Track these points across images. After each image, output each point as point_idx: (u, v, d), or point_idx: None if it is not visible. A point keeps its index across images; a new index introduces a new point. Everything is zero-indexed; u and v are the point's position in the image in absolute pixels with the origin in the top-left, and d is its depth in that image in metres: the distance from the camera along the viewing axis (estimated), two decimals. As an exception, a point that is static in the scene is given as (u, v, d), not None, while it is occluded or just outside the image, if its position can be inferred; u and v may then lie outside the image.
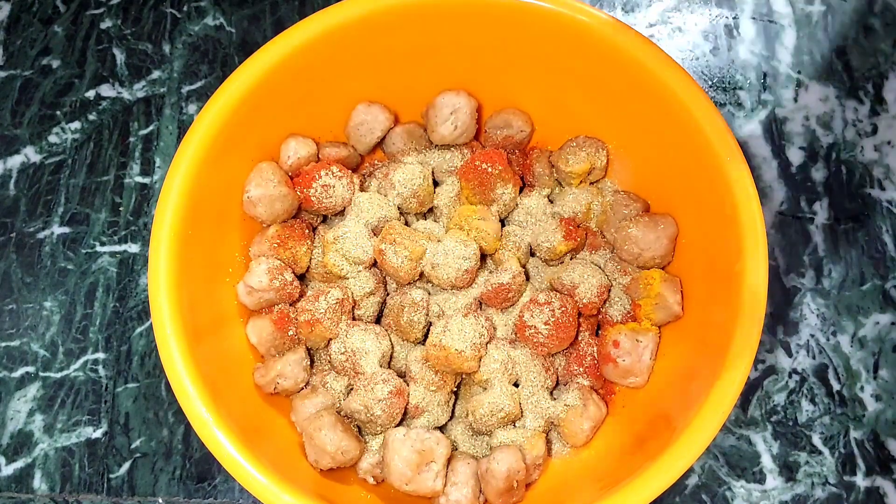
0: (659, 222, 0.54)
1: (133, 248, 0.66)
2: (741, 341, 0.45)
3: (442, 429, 0.53)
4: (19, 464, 0.61)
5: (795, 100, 0.69)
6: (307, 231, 0.56)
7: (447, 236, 0.53)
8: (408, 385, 0.52)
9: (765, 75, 0.69)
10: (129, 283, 0.65)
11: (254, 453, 0.45)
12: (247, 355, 0.54)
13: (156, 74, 0.71)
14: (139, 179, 0.68)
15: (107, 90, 0.71)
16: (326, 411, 0.50)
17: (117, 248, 0.66)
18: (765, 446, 0.60)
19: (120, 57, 0.72)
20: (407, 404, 0.52)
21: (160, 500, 0.59)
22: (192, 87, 0.71)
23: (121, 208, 0.67)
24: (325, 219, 0.58)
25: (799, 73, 0.69)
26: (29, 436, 0.61)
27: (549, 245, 0.54)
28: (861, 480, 0.59)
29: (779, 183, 0.66)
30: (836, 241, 0.64)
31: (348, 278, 0.54)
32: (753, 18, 0.71)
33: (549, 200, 0.58)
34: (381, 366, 0.52)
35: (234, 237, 0.55)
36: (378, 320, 0.56)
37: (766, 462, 0.59)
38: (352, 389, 0.52)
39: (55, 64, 0.72)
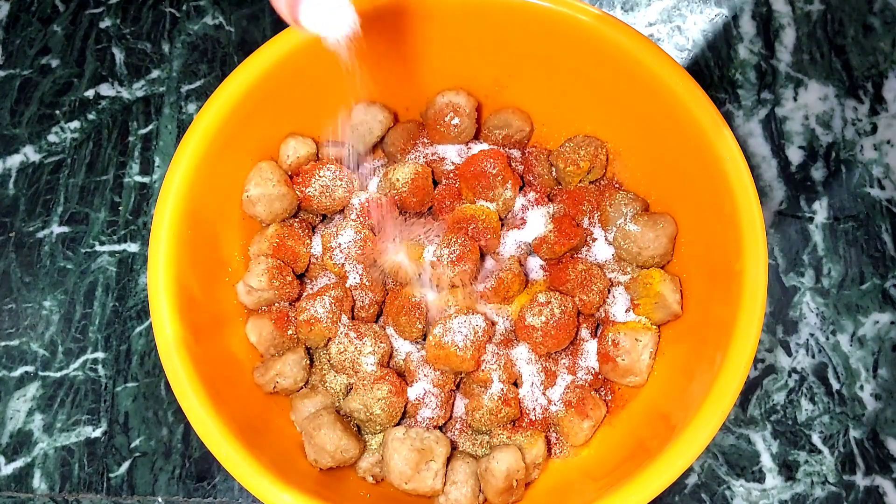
0: (658, 221, 0.54)
1: (132, 247, 0.66)
2: (741, 340, 0.45)
3: (442, 428, 0.53)
4: (19, 463, 0.61)
5: (795, 99, 0.69)
6: (306, 230, 0.56)
7: (446, 236, 0.53)
8: (407, 384, 0.52)
9: (764, 74, 0.69)
10: (129, 282, 0.65)
11: (253, 452, 0.45)
12: (246, 355, 0.54)
13: (155, 74, 0.71)
14: (138, 179, 0.68)
15: (106, 89, 0.71)
16: (326, 410, 0.50)
17: (117, 247, 0.66)
18: (764, 445, 0.60)
19: (119, 56, 0.72)
20: (406, 403, 0.52)
21: (160, 500, 0.59)
22: (192, 86, 0.71)
23: (120, 208, 0.67)
24: (324, 218, 0.58)
25: (798, 72, 0.69)
26: (28, 435, 0.61)
27: (549, 244, 0.54)
28: (860, 479, 0.59)
29: (778, 182, 0.66)
30: (835, 241, 0.64)
31: (347, 277, 0.54)
32: (753, 17, 0.71)
33: (549, 200, 0.58)
34: (380, 365, 0.52)
35: (233, 236, 0.55)
36: (377, 319, 0.56)
37: (766, 461, 0.59)
38: (351, 388, 0.52)
39: (54, 63, 0.72)
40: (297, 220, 0.56)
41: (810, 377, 0.61)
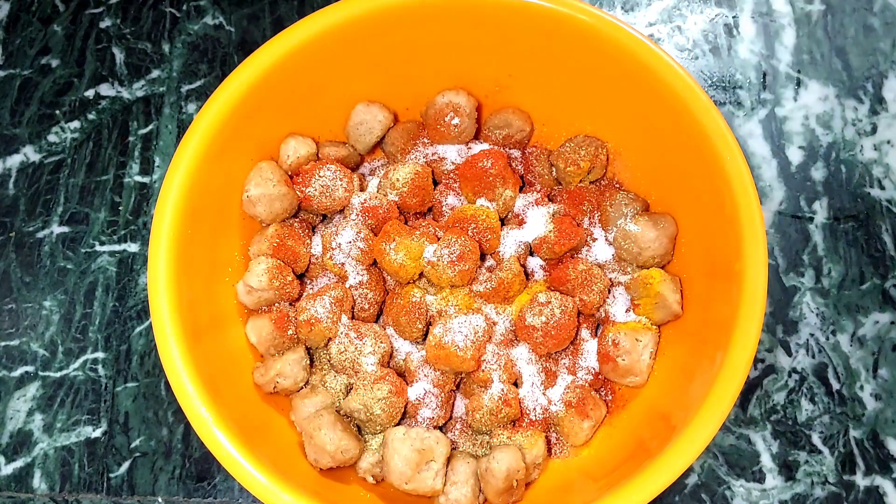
0: (658, 221, 0.54)
1: (132, 247, 0.66)
2: (741, 340, 0.45)
3: (442, 428, 0.53)
4: (19, 463, 0.61)
5: (795, 99, 0.69)
6: (306, 230, 0.56)
7: (446, 235, 0.53)
8: (407, 384, 0.52)
9: (764, 74, 0.69)
10: (129, 282, 0.65)
11: (253, 452, 0.45)
12: (246, 355, 0.54)
13: (155, 74, 0.71)
14: (138, 179, 0.68)
15: (106, 89, 0.71)
16: (326, 410, 0.50)
17: (117, 247, 0.66)
18: (764, 445, 0.60)
19: (119, 56, 0.72)
20: (406, 403, 0.52)
21: (160, 500, 0.59)
22: (192, 86, 0.71)
23: (120, 208, 0.67)
24: (324, 218, 0.58)
25: (798, 72, 0.69)
26: (28, 435, 0.61)
27: (549, 244, 0.54)
28: (860, 479, 0.59)
29: (778, 182, 0.66)
30: (835, 241, 0.64)
31: (347, 277, 0.54)
32: (753, 18, 0.71)
33: (549, 200, 0.58)
34: (380, 365, 0.52)
35: (233, 236, 0.55)
36: (377, 319, 0.56)
37: (766, 461, 0.59)
38: (351, 388, 0.52)
39: (54, 63, 0.72)
40: (297, 220, 0.56)
41: (810, 377, 0.61)
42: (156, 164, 0.68)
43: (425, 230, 0.54)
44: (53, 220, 0.67)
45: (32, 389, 0.62)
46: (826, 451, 0.60)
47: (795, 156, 0.67)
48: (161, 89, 0.71)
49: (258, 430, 0.50)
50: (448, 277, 0.52)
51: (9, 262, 0.66)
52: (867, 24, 0.71)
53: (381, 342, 0.52)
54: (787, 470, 0.59)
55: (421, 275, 0.54)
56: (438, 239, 0.53)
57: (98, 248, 0.66)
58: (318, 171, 0.55)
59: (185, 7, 0.73)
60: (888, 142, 0.67)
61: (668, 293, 0.52)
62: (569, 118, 0.59)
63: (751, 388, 0.61)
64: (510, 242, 0.55)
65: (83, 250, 0.66)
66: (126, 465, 0.60)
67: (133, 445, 0.61)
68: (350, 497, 0.50)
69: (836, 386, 0.61)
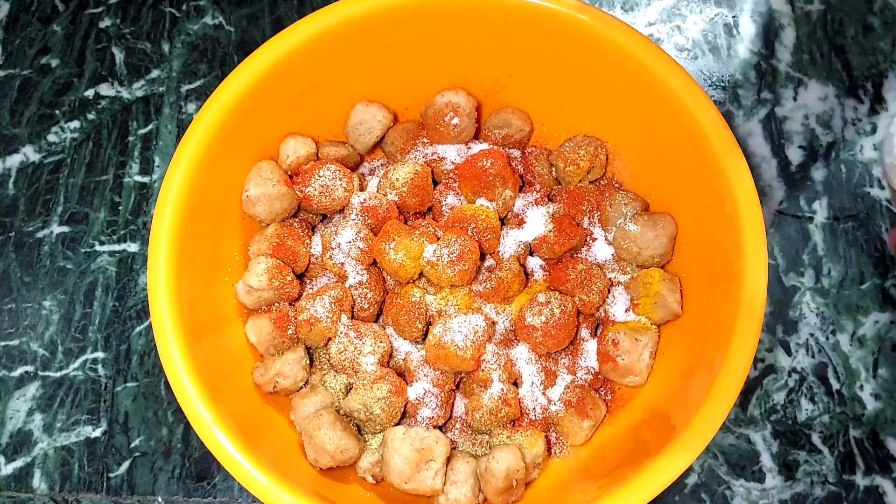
0: (658, 221, 0.54)
1: (132, 247, 0.66)
2: (741, 340, 0.45)
3: (442, 428, 0.53)
4: (19, 463, 0.61)
5: (795, 98, 0.69)
6: (306, 230, 0.56)
7: (446, 235, 0.53)
8: (407, 383, 0.52)
9: (764, 74, 0.69)
10: (129, 282, 0.65)
11: (253, 452, 0.45)
12: (246, 354, 0.54)
13: (155, 73, 0.71)
14: (138, 178, 0.68)
15: (106, 89, 0.71)
16: (326, 410, 0.50)
17: (116, 247, 0.66)
18: (764, 445, 0.60)
19: (119, 56, 0.72)
20: (406, 403, 0.52)
21: (159, 499, 0.59)
22: (191, 86, 0.71)
23: (120, 207, 0.67)
24: (324, 217, 0.58)
25: (798, 71, 0.69)
26: (28, 435, 0.61)
27: (549, 244, 0.54)
28: (860, 479, 0.59)
29: (778, 182, 0.66)
30: (835, 240, 0.64)
31: (347, 277, 0.54)
32: (753, 17, 0.71)
33: (549, 199, 0.58)
34: (380, 364, 0.52)
35: (233, 236, 0.55)
36: (377, 319, 0.56)
37: (766, 461, 0.59)
38: (351, 388, 0.52)
39: (54, 63, 0.72)
40: (296, 219, 0.56)
41: (810, 377, 0.61)
42: (156, 164, 0.68)
43: (425, 230, 0.54)
44: (53, 220, 0.67)
45: (32, 389, 0.62)
46: (826, 450, 0.60)
47: (795, 155, 0.67)
48: (161, 89, 0.71)
49: (258, 429, 0.50)
50: (448, 277, 0.52)
51: (9, 262, 0.66)
52: (867, 23, 0.71)
53: (381, 342, 0.52)
54: (787, 470, 0.59)
55: (421, 274, 0.54)
56: (438, 239, 0.53)
57: (98, 247, 0.66)
58: (318, 171, 0.55)
59: (184, 7, 0.73)
60: (888, 141, 0.67)
61: (668, 293, 0.52)
62: (568, 118, 0.59)
63: (751, 387, 0.61)
64: (510, 242, 0.55)
65: (83, 250, 0.66)
66: (126, 464, 0.60)
67: (133, 445, 0.61)
68: (350, 497, 0.50)
69: (836, 386, 0.61)
